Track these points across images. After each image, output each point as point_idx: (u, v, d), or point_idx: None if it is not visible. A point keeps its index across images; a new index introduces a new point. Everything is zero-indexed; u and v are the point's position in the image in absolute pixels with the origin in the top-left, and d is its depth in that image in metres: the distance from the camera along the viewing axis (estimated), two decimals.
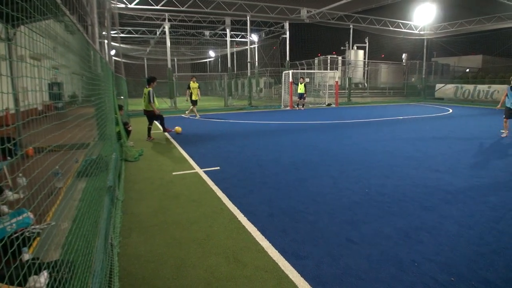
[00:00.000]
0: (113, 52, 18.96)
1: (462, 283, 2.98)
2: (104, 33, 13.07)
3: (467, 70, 33.82)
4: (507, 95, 10.97)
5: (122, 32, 27.58)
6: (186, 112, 17.75)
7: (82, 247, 2.56)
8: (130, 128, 9.45)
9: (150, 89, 10.05)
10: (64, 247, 2.85)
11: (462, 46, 32.25)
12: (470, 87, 25.25)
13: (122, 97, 14.13)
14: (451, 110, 19.80)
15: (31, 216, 3.71)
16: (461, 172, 6.49)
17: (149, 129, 10.57)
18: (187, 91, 16.09)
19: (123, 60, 20.84)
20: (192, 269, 3.24)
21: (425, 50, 28.61)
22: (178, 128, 12.09)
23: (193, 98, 16.05)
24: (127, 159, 7.66)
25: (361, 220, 4.32)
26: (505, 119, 10.79)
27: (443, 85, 27.77)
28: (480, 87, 24.58)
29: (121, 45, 26.47)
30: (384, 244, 3.67)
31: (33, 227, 3.55)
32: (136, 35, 29.42)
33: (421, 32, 27.63)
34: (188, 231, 4.06)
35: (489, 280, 3.02)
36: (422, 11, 23.17)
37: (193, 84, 15.94)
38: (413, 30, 27.29)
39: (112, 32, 15.00)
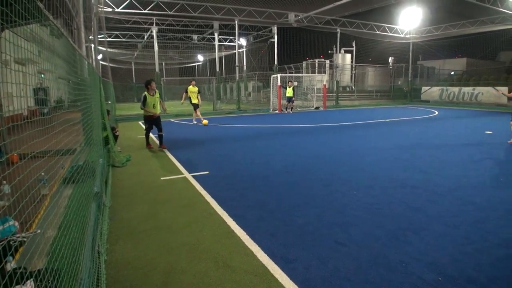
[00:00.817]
0: (100, 56, 18.80)
1: (449, 282, 3.02)
2: (90, 37, 12.96)
3: (452, 73, 34.45)
4: None
5: (109, 36, 27.36)
6: (194, 120, 16.10)
7: (68, 255, 2.52)
8: (117, 133, 9.36)
9: (144, 93, 9.35)
10: (49, 255, 2.80)
11: (446, 50, 32.91)
12: (455, 89, 25.71)
13: (109, 102, 14.00)
14: (437, 112, 20.12)
15: (16, 224, 3.63)
16: (448, 173, 6.59)
17: (146, 137, 9.86)
18: (184, 94, 15.15)
19: (110, 65, 20.68)
20: (181, 275, 3.21)
21: (411, 53, 29.05)
22: (205, 121, 13.73)
23: (193, 101, 15.09)
24: (114, 165, 7.58)
25: (350, 222, 4.34)
26: None
27: (428, 87, 28.22)
28: (465, 89, 25.04)
29: (108, 49, 26.27)
30: (373, 246, 3.70)
31: (17, 235, 3.48)
32: (124, 39, 29.19)
33: (407, 36, 28.07)
34: (177, 237, 4.02)
35: (475, 278, 3.06)
36: (407, 15, 23.55)
37: (192, 88, 14.98)
38: (399, 34, 27.70)
39: (99, 36, 14.86)
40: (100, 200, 4.56)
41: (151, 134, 10.00)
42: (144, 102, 9.18)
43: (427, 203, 4.99)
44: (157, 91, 9.51)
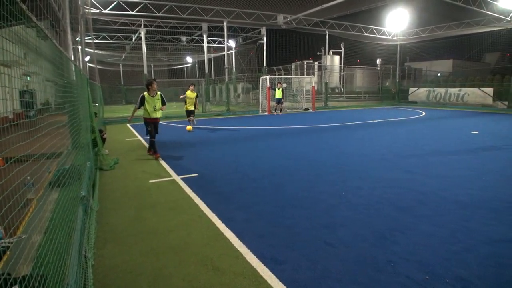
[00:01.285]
0: (87, 58, 18.61)
1: (436, 280, 3.06)
2: (77, 39, 12.81)
3: (439, 74, 34.98)
4: None
5: (97, 38, 27.09)
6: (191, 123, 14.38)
7: (54, 260, 2.48)
8: (105, 136, 9.26)
9: (143, 93, 8.40)
10: (34, 261, 2.76)
11: (433, 51, 33.43)
12: (442, 90, 26.11)
13: (97, 104, 13.84)
14: (424, 113, 20.39)
15: (0, 229, 3.57)
16: (433, 173, 6.68)
17: (151, 144, 8.62)
18: (184, 97, 13.86)
19: (98, 67, 20.45)
20: (170, 279, 3.19)
21: (398, 55, 29.41)
22: (189, 127, 12.83)
23: (188, 107, 13.61)
24: (102, 168, 7.49)
25: (338, 223, 4.37)
26: None
27: (416, 88, 28.61)
28: (451, 90, 25.45)
29: (96, 51, 26.00)
30: (361, 246, 3.72)
31: (2, 241, 3.41)
32: (111, 41, 28.95)
33: (394, 38, 28.40)
34: (165, 240, 3.99)
35: (462, 276, 3.10)
36: (394, 17, 23.84)
37: (190, 94, 13.47)
38: (387, 35, 28.02)
39: (86, 38, 14.69)
40: (87, 204, 4.50)
41: (141, 138, 9.76)
42: (142, 102, 8.31)
43: (414, 203, 5.05)
44: (158, 92, 8.57)
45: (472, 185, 5.87)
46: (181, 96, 14.15)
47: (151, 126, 8.49)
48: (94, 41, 25.12)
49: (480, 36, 26.41)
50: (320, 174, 6.78)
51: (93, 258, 3.54)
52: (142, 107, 8.42)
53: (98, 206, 5.13)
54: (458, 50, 33.07)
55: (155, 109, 8.43)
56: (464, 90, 24.59)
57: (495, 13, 20.29)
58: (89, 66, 18.00)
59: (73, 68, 6.56)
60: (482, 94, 23.28)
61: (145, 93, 8.39)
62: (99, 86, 15.52)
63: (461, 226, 4.19)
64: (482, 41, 28.39)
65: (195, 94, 13.74)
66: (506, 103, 22.15)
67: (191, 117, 14.06)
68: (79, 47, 11.77)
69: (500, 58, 38.15)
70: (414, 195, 5.37)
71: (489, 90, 23.00)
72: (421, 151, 8.86)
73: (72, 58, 7.55)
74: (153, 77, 26.80)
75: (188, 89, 13.63)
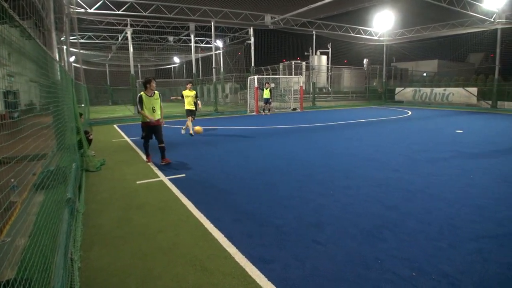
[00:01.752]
0: (72, 58, 18.33)
1: (423, 276, 3.10)
2: (62, 38, 12.61)
3: (424, 74, 35.52)
4: None
5: (82, 38, 26.70)
6: (182, 130, 13.29)
7: (39, 263, 2.43)
8: (91, 137, 9.14)
9: (140, 93, 7.71)
10: (18, 264, 2.71)
11: (419, 52, 33.91)
12: (427, 90, 26.53)
13: (82, 105, 13.66)
14: (410, 113, 20.67)
15: None
16: (419, 171, 6.78)
17: (145, 147, 8.17)
18: (177, 97, 13.11)
19: (84, 67, 20.17)
20: (158, 280, 3.16)
21: (384, 55, 29.75)
22: (198, 128, 11.78)
23: (187, 107, 12.39)
24: (88, 169, 7.38)
25: (327, 221, 4.39)
26: None
27: (402, 88, 29.00)
28: (436, 90, 25.87)
29: (81, 51, 25.62)
30: (350, 244, 3.75)
31: None
32: (97, 41, 28.56)
33: (381, 38, 28.72)
34: (153, 241, 3.96)
35: (447, 272, 3.15)
36: (381, 18, 24.11)
37: (188, 93, 12.31)
38: (373, 36, 28.31)
39: (71, 37, 14.45)
40: (73, 206, 4.44)
41: (128, 139, 9.66)
42: (141, 103, 7.57)
43: (401, 201, 5.11)
44: (156, 91, 7.81)
45: (458, 183, 5.97)
46: (172, 98, 13.57)
47: (149, 131, 7.83)
48: (80, 41, 24.76)
49: (465, 37, 26.89)
50: (309, 173, 6.81)
51: (79, 260, 3.49)
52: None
53: (85, 208, 5.05)
54: (443, 50, 33.63)
55: (153, 110, 7.71)
56: (449, 90, 25.03)
57: (479, 14, 20.68)
58: (75, 66, 17.74)
59: (58, 68, 6.46)
60: (466, 94, 23.72)
61: (142, 92, 7.68)
62: (84, 86, 15.30)
63: (448, 223, 4.26)
64: (467, 41, 28.89)
65: (194, 92, 12.45)
66: (490, 102, 22.61)
67: (192, 117, 12.64)
68: (64, 47, 11.59)
69: (484, 58, 38.89)
70: (401, 193, 5.44)
71: (473, 90, 23.46)
72: (408, 150, 8.98)
73: (57, 58, 7.44)
74: (140, 78, 26.56)
75: (186, 89, 12.42)
